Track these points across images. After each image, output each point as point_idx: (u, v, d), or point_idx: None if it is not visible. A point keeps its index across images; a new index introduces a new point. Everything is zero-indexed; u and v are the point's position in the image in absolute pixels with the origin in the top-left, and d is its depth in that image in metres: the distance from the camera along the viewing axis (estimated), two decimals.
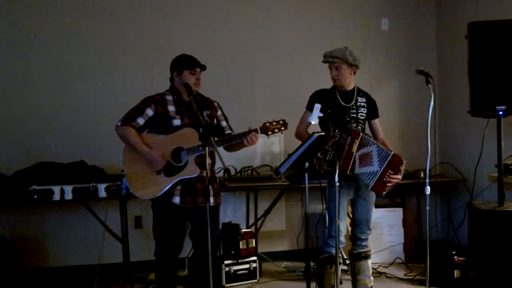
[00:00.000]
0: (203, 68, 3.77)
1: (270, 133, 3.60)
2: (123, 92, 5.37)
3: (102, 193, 4.77)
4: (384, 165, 3.80)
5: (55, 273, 5.33)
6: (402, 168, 3.85)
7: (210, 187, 3.54)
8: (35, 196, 4.64)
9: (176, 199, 3.64)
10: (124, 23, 5.63)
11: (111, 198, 4.83)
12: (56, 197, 4.68)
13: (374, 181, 3.82)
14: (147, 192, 3.66)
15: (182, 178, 3.60)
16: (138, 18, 5.67)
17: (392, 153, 3.81)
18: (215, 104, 3.91)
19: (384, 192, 3.90)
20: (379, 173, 3.80)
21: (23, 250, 5.16)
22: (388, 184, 3.83)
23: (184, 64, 3.73)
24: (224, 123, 3.91)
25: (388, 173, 3.80)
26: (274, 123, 3.61)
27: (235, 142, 3.63)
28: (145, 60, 5.61)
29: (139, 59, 5.62)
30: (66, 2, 5.50)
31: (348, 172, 3.85)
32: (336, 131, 3.90)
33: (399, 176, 3.85)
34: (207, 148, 3.40)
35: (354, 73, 4.12)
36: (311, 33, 6.09)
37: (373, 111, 4.20)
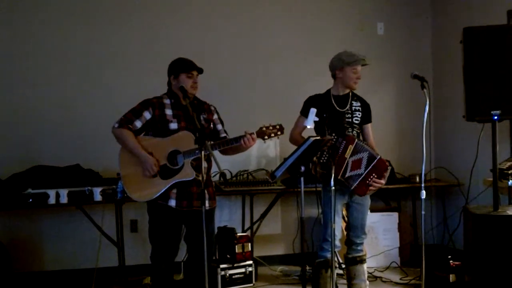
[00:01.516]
0: (200, 71, 3.77)
1: (266, 137, 3.60)
2: (120, 96, 5.37)
3: (98, 197, 4.77)
4: (369, 168, 3.82)
5: (50, 277, 5.31)
6: (387, 174, 3.88)
7: (205, 191, 3.54)
8: (30, 200, 4.64)
9: (172, 202, 3.64)
10: (122, 27, 5.63)
11: (107, 201, 4.83)
12: (52, 200, 4.68)
13: (357, 182, 3.84)
14: (143, 194, 3.65)
15: (178, 181, 3.60)
16: (136, 21, 5.67)
17: (378, 157, 3.83)
18: (212, 108, 3.92)
19: (365, 194, 3.94)
20: (363, 175, 3.83)
21: (18, 253, 5.15)
22: (370, 188, 3.86)
23: (181, 67, 3.74)
24: (219, 127, 3.92)
25: (371, 177, 3.83)
26: (271, 128, 3.60)
27: (231, 145, 3.63)
28: (142, 64, 5.60)
29: (136, 63, 5.61)
30: (64, 5, 5.50)
31: (339, 177, 3.85)
32: (333, 134, 3.91)
33: (383, 181, 3.87)
34: (203, 151, 3.40)
35: None
36: (308, 37, 6.10)
37: (366, 116, 4.20)
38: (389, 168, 3.88)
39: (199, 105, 3.82)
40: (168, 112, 3.71)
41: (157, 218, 3.71)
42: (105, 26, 5.60)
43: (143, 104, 3.73)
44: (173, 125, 3.67)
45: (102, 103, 5.46)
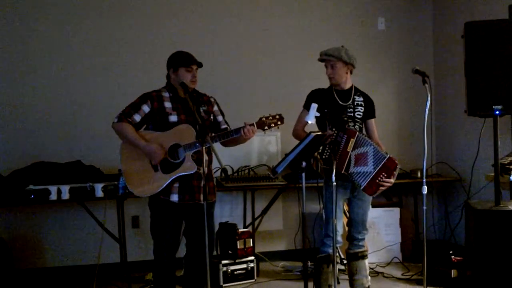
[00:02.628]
0: (199, 65, 3.76)
1: (266, 127, 3.58)
2: (120, 92, 5.36)
3: (99, 193, 4.76)
4: (378, 167, 3.80)
5: (52, 273, 5.32)
6: (396, 172, 3.86)
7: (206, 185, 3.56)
8: (32, 196, 4.63)
9: (174, 197, 3.64)
10: (122, 22, 5.63)
11: (108, 198, 4.82)
12: (53, 197, 4.67)
13: (367, 181, 3.82)
14: (145, 189, 3.65)
15: (179, 175, 3.60)
16: (137, 17, 5.67)
17: (388, 156, 3.81)
18: (212, 99, 3.90)
19: (374, 194, 3.91)
20: (372, 174, 3.81)
21: (19, 250, 5.16)
22: (380, 188, 3.84)
23: (180, 61, 3.73)
24: (220, 118, 3.91)
25: (381, 176, 3.81)
26: (270, 118, 3.59)
27: (232, 137, 3.62)
28: (143, 59, 5.60)
29: (136, 58, 5.62)
30: (66, 3, 5.50)
31: (343, 171, 3.84)
32: (333, 129, 3.90)
33: (392, 180, 3.85)
34: (204, 145, 3.40)
35: (351, 72, 4.12)
36: (309, 32, 6.10)
37: (370, 111, 4.19)
38: (399, 166, 3.86)
39: (198, 97, 3.80)
40: (167, 105, 3.70)
41: (159, 213, 3.71)
42: (106, 24, 5.59)
43: (142, 98, 3.73)
44: (173, 118, 3.67)
45: (103, 99, 5.46)
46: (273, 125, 3.59)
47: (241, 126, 3.57)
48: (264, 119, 3.60)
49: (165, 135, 3.64)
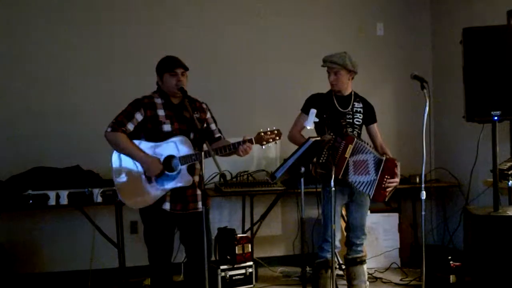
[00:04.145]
0: (185, 68, 3.64)
1: (264, 143, 3.56)
2: (119, 97, 5.30)
3: (98, 198, 4.76)
4: (380, 172, 3.80)
5: (50, 278, 5.31)
6: (398, 170, 3.86)
7: (199, 192, 3.56)
8: (31, 201, 4.63)
9: (166, 206, 3.57)
10: (122, 27, 5.63)
11: (107, 203, 4.82)
12: (52, 202, 4.67)
13: (374, 189, 3.82)
14: (137, 200, 3.57)
15: (175, 187, 3.54)
16: (136, 21, 5.67)
17: (384, 158, 3.82)
18: (204, 106, 3.81)
19: (386, 199, 3.90)
20: (376, 181, 3.81)
21: (18, 254, 5.15)
22: (388, 190, 3.84)
23: (164, 66, 3.64)
24: (213, 126, 3.84)
25: (385, 179, 3.81)
26: (269, 133, 3.57)
27: (229, 151, 3.58)
28: (142, 65, 5.54)
29: (135, 63, 5.60)
30: (61, 6, 5.50)
31: (340, 177, 3.84)
32: (332, 134, 3.90)
33: (397, 179, 3.86)
34: (203, 153, 3.37)
35: (352, 78, 4.13)
36: (308, 38, 6.10)
37: (370, 116, 4.20)
38: (398, 163, 3.86)
39: (191, 104, 3.67)
40: (160, 112, 3.61)
41: (151, 222, 3.64)
42: (106, 27, 5.60)
43: (134, 106, 3.62)
44: (167, 127, 3.58)
45: (102, 104, 5.45)
46: (271, 140, 3.57)
47: (239, 140, 3.53)
48: (262, 134, 3.57)
49: (160, 146, 3.56)
